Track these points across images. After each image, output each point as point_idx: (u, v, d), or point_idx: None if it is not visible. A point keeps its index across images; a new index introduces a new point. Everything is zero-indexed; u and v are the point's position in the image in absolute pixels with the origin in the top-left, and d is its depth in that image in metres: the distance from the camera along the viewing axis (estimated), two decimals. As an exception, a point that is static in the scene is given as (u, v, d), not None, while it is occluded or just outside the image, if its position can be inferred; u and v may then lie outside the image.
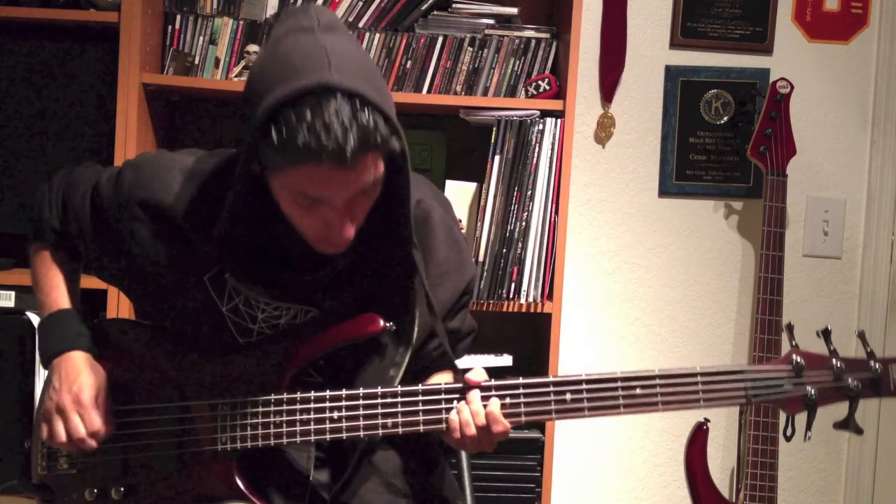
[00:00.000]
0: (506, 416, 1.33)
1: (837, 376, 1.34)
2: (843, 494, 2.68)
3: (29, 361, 2.09)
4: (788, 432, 2.34)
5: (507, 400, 1.33)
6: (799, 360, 1.34)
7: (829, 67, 2.60)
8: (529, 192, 2.25)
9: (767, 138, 2.37)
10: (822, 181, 2.63)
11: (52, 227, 1.49)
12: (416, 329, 1.40)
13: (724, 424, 2.64)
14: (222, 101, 2.46)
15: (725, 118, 2.58)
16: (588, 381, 1.33)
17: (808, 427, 1.36)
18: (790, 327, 1.42)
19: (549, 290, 2.27)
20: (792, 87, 2.38)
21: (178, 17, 2.32)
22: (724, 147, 2.59)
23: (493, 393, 1.34)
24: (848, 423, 1.36)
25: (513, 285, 2.25)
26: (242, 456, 1.37)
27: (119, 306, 2.13)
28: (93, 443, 1.37)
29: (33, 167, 2.20)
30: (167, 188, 1.37)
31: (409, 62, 2.31)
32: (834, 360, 1.35)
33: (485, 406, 1.33)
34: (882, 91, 2.59)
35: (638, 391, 1.32)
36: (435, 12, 2.33)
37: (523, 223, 2.25)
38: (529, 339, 2.51)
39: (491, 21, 2.35)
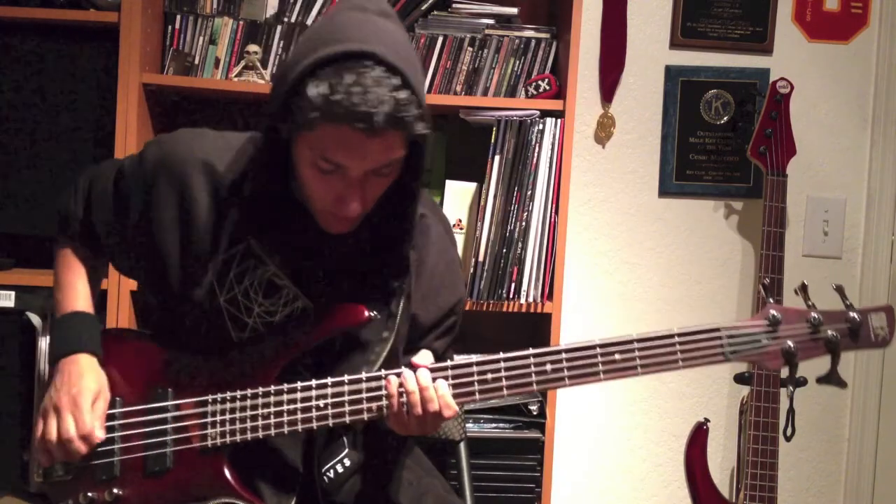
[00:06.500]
0: (457, 396, 1.34)
1: (815, 328, 1.33)
2: (842, 494, 2.68)
3: (29, 362, 2.09)
4: (788, 432, 2.34)
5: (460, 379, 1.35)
6: (775, 314, 1.33)
7: (829, 67, 2.60)
8: (529, 192, 2.24)
9: (767, 138, 2.37)
10: (822, 181, 2.63)
11: (77, 218, 1.51)
12: (398, 320, 1.42)
13: (724, 424, 2.63)
14: (222, 101, 2.46)
15: (725, 118, 2.58)
16: (567, 350, 1.33)
17: (792, 382, 1.35)
18: (765, 286, 1.41)
19: (549, 290, 2.27)
20: (792, 87, 2.38)
21: (178, 17, 2.32)
22: (724, 147, 2.59)
23: (448, 373, 1.35)
24: (831, 377, 1.34)
25: (513, 285, 2.25)
26: (233, 452, 1.38)
27: (119, 307, 2.13)
28: (81, 446, 1.37)
29: (33, 168, 2.20)
30: (191, 159, 1.39)
31: (409, 62, 2.31)
32: (812, 313, 1.34)
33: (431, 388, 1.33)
34: (882, 91, 2.59)
35: (616, 357, 1.32)
36: (435, 12, 2.33)
37: (523, 223, 2.25)
38: (529, 340, 2.50)
39: (491, 21, 2.35)
